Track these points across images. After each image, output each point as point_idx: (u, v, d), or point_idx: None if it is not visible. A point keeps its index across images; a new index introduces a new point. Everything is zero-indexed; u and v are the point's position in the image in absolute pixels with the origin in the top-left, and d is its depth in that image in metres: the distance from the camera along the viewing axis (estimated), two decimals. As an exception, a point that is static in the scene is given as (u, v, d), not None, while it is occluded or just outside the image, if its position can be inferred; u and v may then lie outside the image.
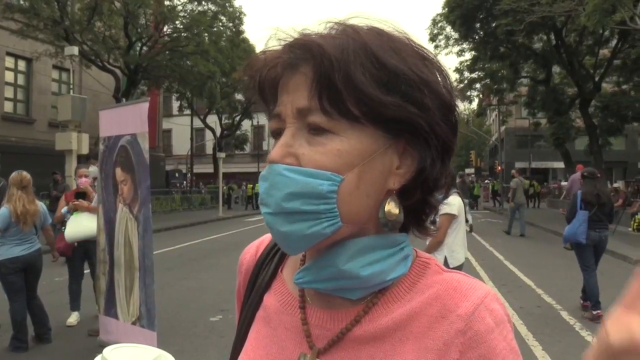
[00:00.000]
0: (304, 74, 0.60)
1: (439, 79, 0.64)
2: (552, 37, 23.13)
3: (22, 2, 17.79)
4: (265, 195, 0.61)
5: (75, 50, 14.50)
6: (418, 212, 0.70)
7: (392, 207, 0.63)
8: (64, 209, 5.82)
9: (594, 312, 6.11)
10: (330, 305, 0.68)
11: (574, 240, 6.40)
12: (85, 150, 12.58)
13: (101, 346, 5.10)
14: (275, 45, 0.64)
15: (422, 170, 0.63)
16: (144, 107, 4.49)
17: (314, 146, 0.60)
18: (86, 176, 5.98)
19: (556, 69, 26.15)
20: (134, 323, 4.61)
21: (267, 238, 0.83)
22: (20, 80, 21.64)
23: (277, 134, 0.64)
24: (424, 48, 0.66)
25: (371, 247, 0.64)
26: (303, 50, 0.60)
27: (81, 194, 5.81)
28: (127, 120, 4.60)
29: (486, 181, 37.58)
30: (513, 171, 16.82)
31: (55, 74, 22.88)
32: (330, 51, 0.58)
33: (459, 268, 4.35)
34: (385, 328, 0.64)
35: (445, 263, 4.36)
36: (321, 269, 0.64)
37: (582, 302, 6.62)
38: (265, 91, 0.66)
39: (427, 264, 0.69)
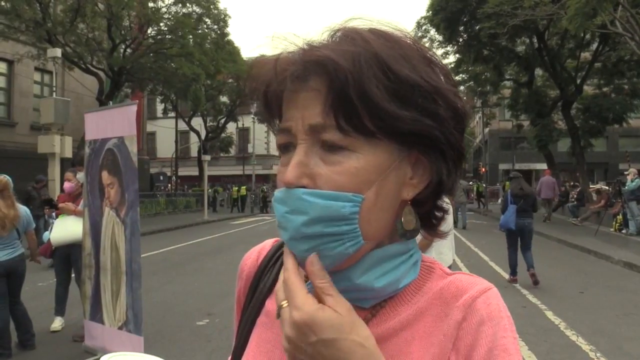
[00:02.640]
0: (316, 89, 0.58)
1: (450, 86, 0.64)
2: (535, 40, 23.43)
3: (3, 4, 17.53)
4: (284, 220, 0.59)
5: (58, 52, 14.35)
6: (429, 217, 0.70)
7: (409, 218, 0.63)
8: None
9: (512, 277, 8.45)
10: None
11: (506, 227, 8.28)
12: (68, 153, 12.45)
13: (86, 352, 5.05)
14: (276, 53, 0.62)
15: (440, 182, 0.63)
16: (131, 110, 4.45)
17: (330, 165, 0.58)
18: (69, 180, 5.91)
19: (539, 71, 26.51)
20: (120, 328, 4.56)
21: (268, 244, 0.83)
22: (2, 82, 21.32)
23: (284, 147, 0.62)
24: (427, 49, 0.65)
25: (385, 258, 0.63)
26: (315, 64, 0.58)
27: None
28: (114, 123, 4.56)
29: (470, 182, 37.86)
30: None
31: (37, 76, 22.59)
32: (344, 64, 0.56)
33: (446, 269, 4.38)
34: (392, 329, 0.64)
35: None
36: (335, 282, 0.61)
37: (510, 277, 8.52)
38: (271, 102, 0.64)
39: (432, 268, 0.69)
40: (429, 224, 0.70)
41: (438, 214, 0.70)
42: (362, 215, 0.58)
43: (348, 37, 0.60)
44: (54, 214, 5.83)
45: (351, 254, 0.59)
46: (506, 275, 8.88)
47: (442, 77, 0.63)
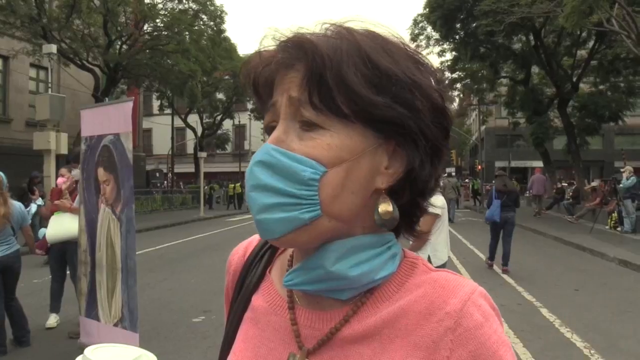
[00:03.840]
0: (297, 70, 0.61)
1: (433, 83, 0.65)
2: (531, 38, 23.43)
3: (-2, -1, 17.45)
4: (250, 172, 0.62)
5: (53, 48, 14.25)
6: (409, 215, 0.70)
7: (386, 206, 0.64)
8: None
9: (489, 262, 9.65)
10: (319, 306, 0.68)
11: (492, 220, 9.13)
12: (64, 150, 12.38)
13: (81, 349, 5.04)
14: (271, 45, 0.65)
15: (411, 171, 0.64)
16: (127, 106, 4.44)
17: (304, 141, 0.61)
18: (62, 176, 5.89)
19: (535, 69, 26.51)
20: (115, 325, 4.56)
21: (255, 239, 0.83)
22: (-3, 78, 21.24)
23: (271, 129, 0.65)
24: (419, 53, 0.67)
25: (359, 247, 0.64)
26: (296, 49, 0.61)
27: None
28: (110, 120, 4.54)
29: (466, 180, 37.93)
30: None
31: (32, 73, 22.50)
32: (323, 50, 0.60)
33: (442, 267, 4.39)
34: (374, 327, 0.64)
35: (429, 262, 4.40)
36: (309, 270, 0.64)
37: (488, 261, 9.71)
38: (260, 88, 0.67)
39: (415, 264, 0.69)
40: (409, 222, 0.71)
41: (419, 213, 0.70)
42: (324, 188, 0.60)
43: (336, 31, 0.63)
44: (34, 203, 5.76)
45: (307, 222, 0.60)
46: (503, 274, 8.93)
47: (429, 78, 0.65)
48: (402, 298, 0.65)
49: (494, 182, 9.95)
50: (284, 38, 0.63)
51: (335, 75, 0.59)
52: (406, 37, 0.67)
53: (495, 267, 9.59)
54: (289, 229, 0.60)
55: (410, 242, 4.38)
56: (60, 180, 5.88)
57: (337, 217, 0.61)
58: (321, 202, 0.60)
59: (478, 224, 18.61)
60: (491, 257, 9.58)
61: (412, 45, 0.67)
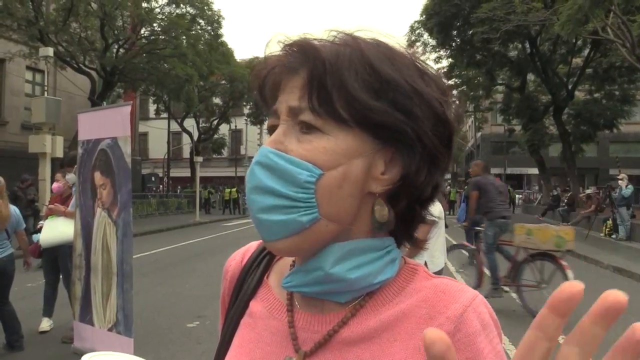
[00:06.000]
0: (300, 76, 0.63)
1: (437, 94, 0.65)
2: (527, 45, 23.60)
3: (-5, 2, 17.42)
4: (250, 172, 0.63)
5: (50, 51, 14.24)
6: (406, 222, 0.70)
7: (381, 210, 0.64)
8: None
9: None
10: (318, 309, 0.68)
11: (462, 221, 9.95)
12: (59, 153, 12.36)
13: (75, 353, 5.01)
14: (277, 49, 0.66)
15: (407, 177, 0.64)
16: (125, 110, 4.43)
17: (302, 143, 0.62)
18: (58, 181, 5.86)
19: (531, 76, 26.68)
20: (110, 329, 4.53)
21: (252, 246, 0.83)
22: (-8, 81, 21.18)
23: (272, 131, 0.66)
24: (425, 64, 0.67)
25: (358, 250, 0.64)
26: (300, 53, 0.63)
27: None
28: (108, 124, 4.54)
29: (447, 187, 38.02)
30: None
31: (29, 75, 22.43)
32: (325, 55, 0.61)
33: (439, 273, 4.40)
34: (373, 329, 0.64)
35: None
36: (308, 272, 0.64)
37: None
38: (266, 93, 0.68)
39: (416, 270, 0.69)
40: (408, 231, 0.71)
41: (414, 219, 0.70)
42: (321, 191, 0.60)
43: (342, 38, 0.64)
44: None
45: (305, 225, 0.60)
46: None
47: (433, 87, 0.65)
48: (403, 302, 0.65)
49: (465, 187, 10.51)
50: (290, 42, 0.64)
51: (335, 80, 0.60)
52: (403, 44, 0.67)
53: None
54: (289, 231, 0.61)
55: (407, 248, 4.39)
56: (55, 185, 5.85)
57: (335, 219, 0.62)
58: (318, 205, 0.60)
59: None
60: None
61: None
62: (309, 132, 0.62)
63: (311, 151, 0.61)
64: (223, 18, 24.68)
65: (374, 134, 0.62)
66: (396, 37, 0.67)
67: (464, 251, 8.59)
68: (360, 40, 0.64)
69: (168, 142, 34.71)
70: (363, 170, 0.62)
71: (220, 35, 25.46)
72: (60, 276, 5.85)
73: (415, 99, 0.62)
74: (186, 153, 42.80)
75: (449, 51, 26.11)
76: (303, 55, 0.62)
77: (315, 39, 0.64)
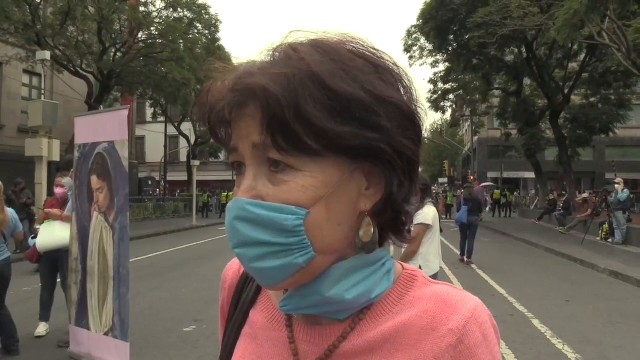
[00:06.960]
0: (251, 116, 0.58)
1: (397, 87, 0.63)
2: (524, 50, 23.68)
3: (-8, 5, 17.40)
4: (231, 228, 0.60)
5: (47, 55, 14.24)
6: (395, 222, 0.68)
7: (367, 230, 0.63)
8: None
9: (461, 257, 11.80)
10: (317, 321, 0.68)
11: (460, 221, 11.52)
12: (56, 157, 12.33)
13: (71, 358, 5.00)
14: (218, 83, 0.62)
15: (390, 194, 0.62)
16: (123, 114, 4.44)
17: (277, 185, 0.58)
18: (62, 186, 5.79)
19: (527, 81, 26.79)
20: (106, 334, 4.52)
21: None
22: (-11, 84, 21.14)
23: (237, 167, 0.63)
24: (373, 50, 0.63)
25: (353, 269, 0.63)
26: (247, 92, 0.57)
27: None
28: (105, 128, 4.54)
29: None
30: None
31: (25, 79, 22.41)
32: (274, 89, 0.55)
33: (434, 277, 4.39)
34: (374, 341, 0.64)
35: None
36: (305, 297, 0.63)
37: (460, 257, 11.86)
38: (216, 129, 0.63)
39: (415, 276, 0.68)
40: (396, 228, 0.69)
41: (405, 219, 0.68)
42: (311, 230, 0.58)
43: (285, 56, 0.60)
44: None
45: (302, 265, 0.58)
46: (495, 285, 8.96)
47: (393, 83, 0.62)
48: (403, 312, 0.65)
49: (462, 191, 10.94)
50: (230, 81, 0.59)
51: (295, 114, 0.55)
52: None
53: (488, 278, 9.62)
54: (287, 275, 0.59)
55: (402, 252, 4.39)
56: (60, 190, 5.75)
57: (330, 251, 0.61)
58: (312, 243, 0.58)
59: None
60: (462, 253, 11.80)
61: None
62: (281, 170, 0.58)
63: (290, 192, 0.57)
64: (220, 22, 24.78)
65: (347, 155, 0.59)
66: (333, 31, 0.63)
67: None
68: (304, 54, 0.59)
69: (165, 146, 34.65)
70: (347, 193, 0.60)
71: (217, 39, 25.51)
72: (58, 280, 5.83)
73: (380, 109, 0.59)
74: (183, 157, 42.69)
75: (445, 55, 26.19)
76: (247, 92, 0.57)
77: (256, 67, 0.59)
